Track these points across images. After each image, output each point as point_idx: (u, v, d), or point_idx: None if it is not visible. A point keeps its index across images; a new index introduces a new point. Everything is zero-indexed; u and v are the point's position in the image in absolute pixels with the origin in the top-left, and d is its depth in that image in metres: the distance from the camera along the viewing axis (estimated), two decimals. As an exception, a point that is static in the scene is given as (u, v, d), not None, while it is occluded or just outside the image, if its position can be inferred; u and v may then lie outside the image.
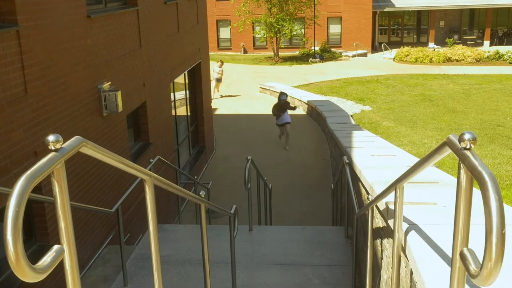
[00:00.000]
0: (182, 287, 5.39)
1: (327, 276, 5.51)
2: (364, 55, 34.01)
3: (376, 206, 3.93)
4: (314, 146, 15.54)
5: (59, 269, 1.62)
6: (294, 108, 16.26)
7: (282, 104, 15.27)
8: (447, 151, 1.82)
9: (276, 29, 30.85)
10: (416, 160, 5.43)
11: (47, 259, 1.40)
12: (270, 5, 30.56)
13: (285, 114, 15.08)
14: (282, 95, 15.37)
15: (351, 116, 17.50)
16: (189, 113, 12.94)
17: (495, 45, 35.59)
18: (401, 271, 3.02)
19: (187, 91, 12.70)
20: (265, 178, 9.05)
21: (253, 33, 34.97)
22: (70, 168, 5.91)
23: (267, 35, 31.93)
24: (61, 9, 5.84)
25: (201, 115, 13.70)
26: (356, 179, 5.80)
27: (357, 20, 34.97)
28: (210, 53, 17.26)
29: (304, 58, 32.69)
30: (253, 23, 33.16)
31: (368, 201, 3.89)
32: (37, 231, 5.54)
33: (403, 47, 32.20)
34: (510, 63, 28.51)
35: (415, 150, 14.36)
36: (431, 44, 35.69)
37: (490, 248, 1.34)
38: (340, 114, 16.44)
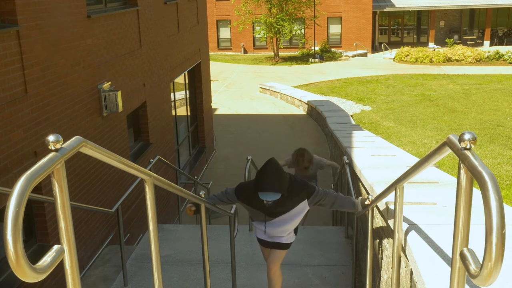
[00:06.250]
0: (182, 287, 5.39)
1: (327, 276, 5.50)
2: (364, 55, 34.00)
3: (376, 206, 3.93)
4: (314, 146, 15.53)
5: (59, 269, 1.62)
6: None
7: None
8: (447, 151, 1.82)
9: (276, 29, 30.86)
10: (416, 160, 5.43)
11: (47, 259, 1.40)
12: (270, 5, 30.57)
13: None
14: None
15: (351, 116, 17.50)
16: (189, 113, 12.94)
17: (495, 45, 35.58)
18: (401, 271, 3.02)
19: (187, 91, 12.69)
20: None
21: (253, 33, 34.97)
22: (70, 168, 5.91)
23: (267, 35, 31.94)
24: (61, 9, 5.84)
25: (201, 115, 13.70)
26: (356, 179, 5.80)
27: (357, 20, 34.96)
28: (210, 53, 17.27)
29: (304, 58, 32.68)
30: (253, 23, 33.17)
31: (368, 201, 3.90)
32: (37, 231, 5.54)
33: (403, 47, 32.19)
34: (510, 63, 28.50)
35: (415, 150, 14.35)
36: (431, 44, 35.68)
37: (490, 248, 1.34)
38: (340, 114, 16.44)
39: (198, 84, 13.45)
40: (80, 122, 6.33)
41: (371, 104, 20.65)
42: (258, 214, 4.39)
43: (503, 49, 31.80)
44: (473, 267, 1.51)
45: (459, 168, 1.68)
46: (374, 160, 5.74)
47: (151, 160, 6.70)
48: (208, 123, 14.30)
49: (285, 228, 4.41)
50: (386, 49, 33.84)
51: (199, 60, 13.21)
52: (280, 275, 4.62)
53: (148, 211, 2.62)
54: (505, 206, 2.86)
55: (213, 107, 17.02)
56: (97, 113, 6.84)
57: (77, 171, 6.16)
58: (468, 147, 1.62)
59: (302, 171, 7.85)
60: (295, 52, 34.71)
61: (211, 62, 18.77)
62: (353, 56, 33.54)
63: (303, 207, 4.27)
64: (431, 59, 29.79)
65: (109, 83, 7.14)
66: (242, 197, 4.34)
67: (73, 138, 1.66)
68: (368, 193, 4.44)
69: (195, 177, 11.71)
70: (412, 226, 2.90)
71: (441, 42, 36.64)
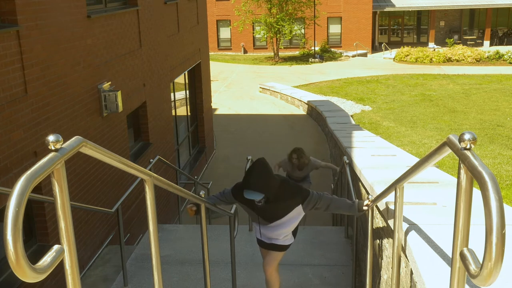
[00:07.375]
0: (182, 287, 5.39)
1: (327, 276, 5.50)
2: (364, 55, 33.99)
3: (376, 206, 3.93)
4: (314, 146, 15.54)
5: (59, 269, 1.62)
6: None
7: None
8: (447, 151, 1.82)
9: (276, 29, 30.87)
10: (416, 160, 5.43)
11: (47, 259, 1.40)
12: (270, 5, 30.57)
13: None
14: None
15: (351, 116, 17.50)
16: (189, 113, 12.94)
17: (495, 45, 35.57)
18: (401, 271, 3.02)
19: (187, 91, 12.69)
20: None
21: (253, 33, 34.97)
22: (70, 168, 5.91)
23: (267, 35, 31.95)
24: (61, 9, 5.84)
25: (201, 115, 13.70)
26: (356, 179, 5.80)
27: (357, 20, 34.97)
28: (210, 53, 17.27)
29: (304, 58, 32.69)
30: (253, 23, 33.17)
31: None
32: (37, 231, 5.54)
33: (403, 47, 32.18)
34: (510, 63, 28.50)
35: (415, 150, 14.35)
36: (431, 44, 35.68)
37: (490, 248, 1.34)
38: (340, 114, 16.44)
39: (198, 84, 13.45)
40: (80, 122, 6.33)
41: (371, 104, 20.65)
42: (254, 216, 4.36)
43: (503, 49, 31.80)
44: (473, 267, 1.51)
45: (459, 168, 1.68)
46: (374, 160, 5.74)
47: (151, 160, 6.70)
48: (208, 123, 14.30)
49: (281, 232, 4.37)
50: (386, 49, 33.84)
51: (199, 60, 13.21)
52: (277, 277, 4.58)
53: (148, 211, 2.62)
54: (505, 206, 2.86)
55: (213, 107, 17.02)
56: (97, 113, 6.84)
57: (77, 171, 6.16)
58: (468, 147, 1.62)
59: (296, 172, 7.91)
60: (295, 52, 34.71)
61: (211, 62, 18.75)
62: (353, 56, 33.54)
63: (298, 212, 4.23)
64: (431, 59, 29.79)
65: (109, 83, 7.14)
66: (238, 196, 4.30)
67: (73, 138, 1.66)
68: (368, 193, 4.44)
69: (195, 177, 11.71)
70: (412, 226, 2.90)
71: (441, 42, 36.64)
